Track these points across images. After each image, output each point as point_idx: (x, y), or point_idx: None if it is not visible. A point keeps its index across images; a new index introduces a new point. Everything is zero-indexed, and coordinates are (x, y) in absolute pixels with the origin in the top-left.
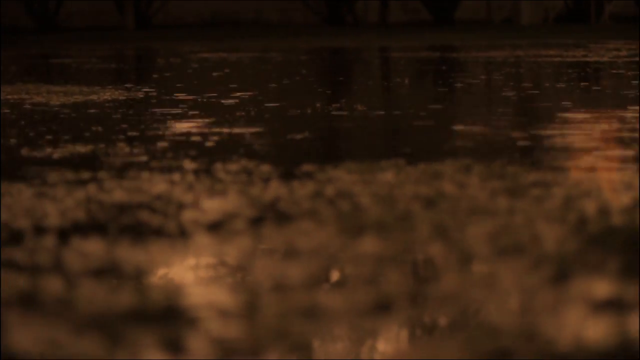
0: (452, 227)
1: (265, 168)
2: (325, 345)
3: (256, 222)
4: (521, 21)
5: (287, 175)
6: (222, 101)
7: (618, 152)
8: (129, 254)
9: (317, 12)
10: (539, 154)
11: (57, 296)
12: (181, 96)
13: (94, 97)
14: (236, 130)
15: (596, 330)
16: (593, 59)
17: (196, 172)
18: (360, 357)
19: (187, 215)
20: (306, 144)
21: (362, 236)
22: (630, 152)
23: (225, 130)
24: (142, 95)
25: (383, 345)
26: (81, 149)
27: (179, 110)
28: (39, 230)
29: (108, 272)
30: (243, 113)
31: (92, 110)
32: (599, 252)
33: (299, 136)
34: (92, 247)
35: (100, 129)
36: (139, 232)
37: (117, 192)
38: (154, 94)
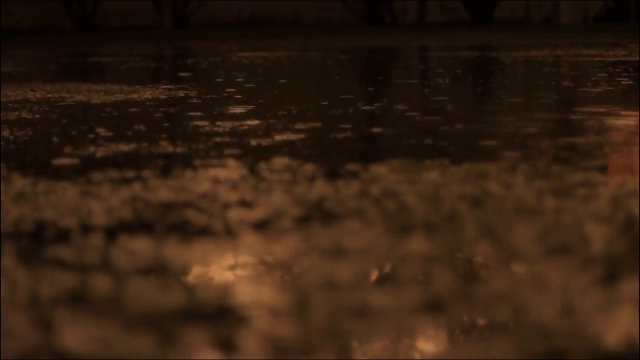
0: (498, 226)
1: (309, 167)
2: (375, 345)
3: (302, 221)
4: (560, 21)
5: (332, 174)
6: (264, 100)
7: None
8: (176, 252)
9: (356, 11)
10: (584, 153)
11: (107, 295)
12: (221, 95)
13: (134, 95)
14: (278, 129)
15: None
16: (635, 58)
17: (240, 171)
18: (409, 357)
19: (233, 214)
20: (349, 143)
21: (409, 235)
22: None
23: (268, 129)
24: (182, 94)
25: (432, 345)
26: (124, 147)
27: (220, 109)
28: (85, 228)
29: (156, 270)
30: (285, 112)
31: (134, 109)
32: None
33: (341, 135)
34: (139, 246)
35: (142, 127)
36: (186, 231)
37: (162, 191)
38: (195, 92)
